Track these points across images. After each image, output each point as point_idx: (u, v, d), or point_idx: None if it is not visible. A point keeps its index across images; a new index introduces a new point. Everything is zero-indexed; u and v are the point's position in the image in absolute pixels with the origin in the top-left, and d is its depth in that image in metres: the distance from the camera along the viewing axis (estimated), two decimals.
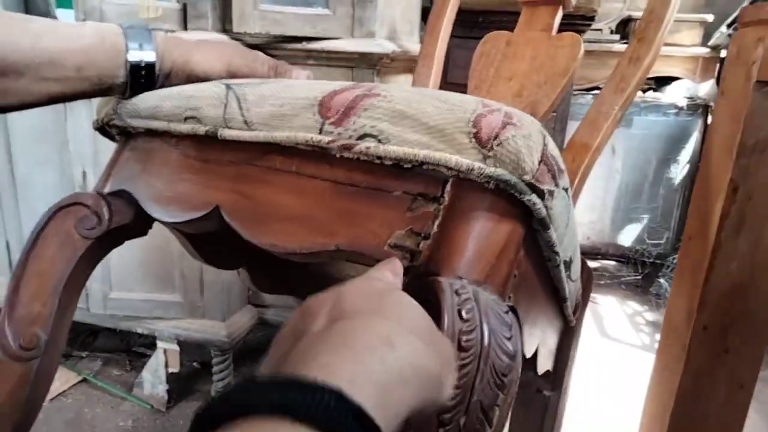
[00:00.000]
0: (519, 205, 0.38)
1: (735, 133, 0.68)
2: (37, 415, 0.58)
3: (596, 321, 1.96)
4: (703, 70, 2.35)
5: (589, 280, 0.70)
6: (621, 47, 2.20)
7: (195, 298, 1.36)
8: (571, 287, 0.57)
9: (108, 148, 0.60)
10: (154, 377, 1.41)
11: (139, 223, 0.58)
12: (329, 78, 1.17)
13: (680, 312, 0.80)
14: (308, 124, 0.42)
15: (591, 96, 2.21)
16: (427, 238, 0.38)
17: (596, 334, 1.87)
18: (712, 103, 2.23)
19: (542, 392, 0.77)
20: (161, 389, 1.40)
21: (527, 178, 0.36)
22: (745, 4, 1.95)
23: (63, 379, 1.46)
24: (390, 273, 0.34)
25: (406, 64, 1.28)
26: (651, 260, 2.37)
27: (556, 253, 0.45)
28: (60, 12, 1.51)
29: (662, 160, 2.32)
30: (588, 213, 2.39)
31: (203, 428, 0.21)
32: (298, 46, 1.19)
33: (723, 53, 2.27)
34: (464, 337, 0.32)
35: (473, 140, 0.36)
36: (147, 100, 0.51)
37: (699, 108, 2.26)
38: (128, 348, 1.62)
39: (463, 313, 0.33)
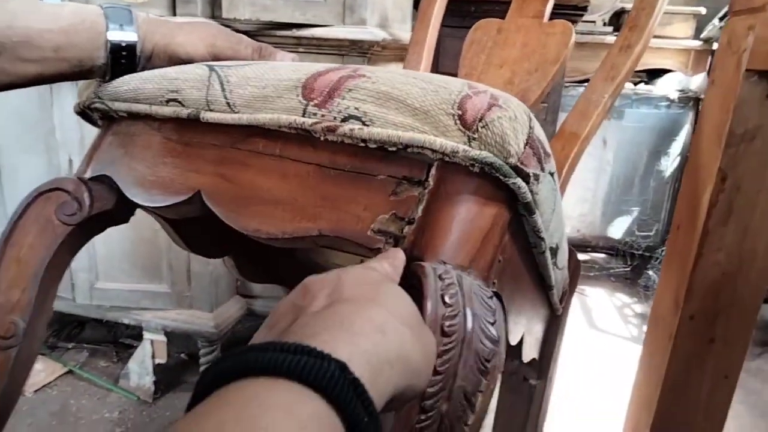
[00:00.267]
0: (504, 189, 0.38)
1: (724, 122, 0.67)
2: (14, 405, 0.57)
3: (585, 313, 1.96)
4: (695, 62, 2.36)
5: (576, 269, 0.69)
6: (614, 39, 2.20)
7: (182, 289, 1.35)
8: (558, 275, 0.56)
9: (94, 135, 0.59)
10: (140, 368, 1.40)
11: (122, 210, 0.57)
12: None
13: (668, 301, 0.80)
14: (291, 105, 0.41)
15: (583, 88, 2.21)
16: (411, 222, 0.37)
17: (585, 325, 1.88)
18: (703, 96, 2.23)
19: (528, 381, 0.77)
20: (148, 380, 1.39)
21: (512, 161, 0.36)
22: None
23: (49, 370, 1.44)
24: (389, 266, 0.35)
25: (398, 52, 1.27)
26: (640, 252, 2.38)
27: (542, 239, 0.44)
28: None
29: (653, 153, 2.33)
30: (579, 205, 2.39)
31: (210, 387, 0.22)
32: (288, 33, 1.18)
33: (715, 46, 2.28)
34: (447, 323, 0.32)
35: (458, 122, 0.36)
36: (128, 82, 0.50)
37: (690, 101, 2.27)
38: (115, 339, 1.60)
39: (447, 298, 0.32)
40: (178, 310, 1.37)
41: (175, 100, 0.47)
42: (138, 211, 0.58)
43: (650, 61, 2.31)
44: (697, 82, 2.31)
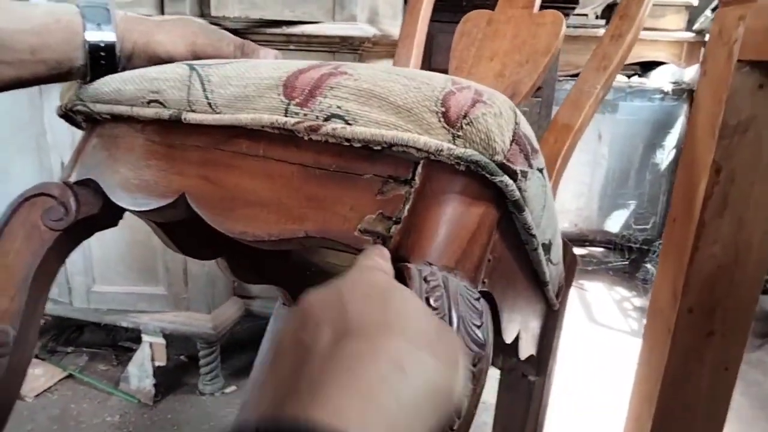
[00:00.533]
0: (491, 187, 0.37)
1: (717, 113, 0.66)
2: (10, 412, 0.56)
3: (584, 307, 1.96)
4: (689, 54, 2.35)
5: (572, 263, 0.69)
6: None
7: (179, 291, 1.34)
8: (552, 270, 0.55)
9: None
10: (140, 371, 1.40)
11: (109, 214, 0.56)
12: None
13: (665, 294, 0.79)
14: (273, 105, 0.40)
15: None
16: (398, 222, 0.37)
17: (584, 320, 1.87)
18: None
19: (527, 377, 0.76)
20: (148, 383, 1.39)
21: (498, 158, 0.35)
22: None
23: (49, 374, 1.44)
24: (382, 259, 0.33)
25: (389, 48, 1.26)
26: (638, 246, 2.38)
27: (533, 236, 0.43)
28: None
29: (648, 146, 2.32)
30: (575, 200, 2.38)
31: None
32: (278, 30, 1.17)
33: (707, 37, 2.27)
34: None
35: (442, 119, 0.35)
36: (109, 83, 0.49)
37: (684, 93, 2.26)
38: (114, 342, 1.60)
39: (432, 301, 0.32)
40: (175, 312, 1.37)
41: (156, 101, 0.46)
42: (130, 213, 0.58)
43: (643, 54, 2.30)
44: (690, 73, 2.30)
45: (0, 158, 1.32)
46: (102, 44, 0.48)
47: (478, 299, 0.33)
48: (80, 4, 0.48)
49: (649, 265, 2.23)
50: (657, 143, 2.31)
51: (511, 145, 0.35)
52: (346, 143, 0.38)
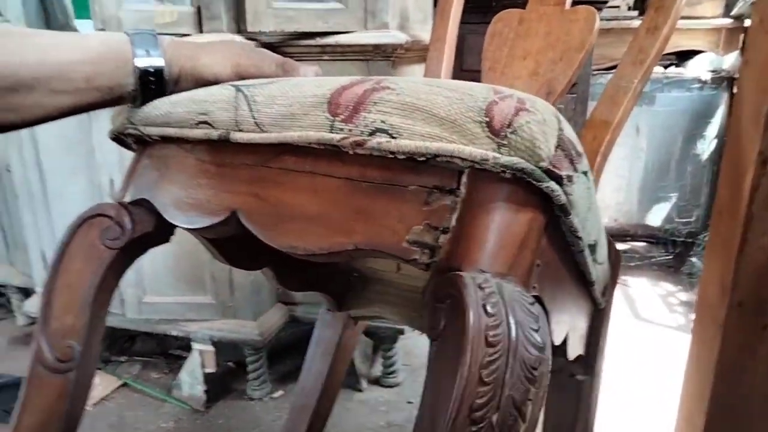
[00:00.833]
0: (538, 193, 0.37)
1: (762, 103, 0.65)
2: (79, 423, 0.59)
3: (629, 303, 1.92)
4: (727, 41, 2.28)
5: (617, 261, 0.68)
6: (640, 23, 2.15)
7: (226, 299, 1.38)
8: (598, 270, 0.55)
9: (132, 155, 0.61)
10: (191, 378, 1.44)
11: (161, 231, 0.59)
12: (345, 72, 1.17)
13: (714, 289, 0.77)
14: (318, 122, 0.41)
15: (611, 75, 2.16)
16: (445, 232, 0.37)
17: (629, 316, 1.84)
18: (737, 75, 2.16)
19: (575, 377, 0.76)
20: (199, 390, 1.43)
21: (544, 164, 0.36)
22: None
23: (104, 384, 1.49)
24: None
25: (420, 53, 1.27)
26: (681, 239, 2.32)
27: (579, 238, 0.44)
28: (79, 23, 1.53)
29: (688, 137, 2.26)
30: (614, 194, 2.34)
31: None
32: (312, 42, 1.19)
33: (747, 23, 2.20)
34: (491, 332, 0.32)
35: (486, 129, 0.35)
36: (159, 107, 0.51)
37: (724, 81, 2.19)
38: (165, 351, 1.65)
39: (489, 308, 0.32)
40: (223, 320, 1.40)
41: (205, 122, 0.48)
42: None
43: (680, 43, 2.24)
44: (729, 61, 2.23)
45: (53, 179, 1.38)
46: (151, 69, 0.50)
47: (533, 304, 0.34)
48: (129, 32, 0.50)
49: (694, 259, 2.17)
50: (697, 134, 2.25)
51: (555, 150, 0.36)
52: (391, 155, 0.39)
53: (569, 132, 0.38)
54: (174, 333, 1.42)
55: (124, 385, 1.51)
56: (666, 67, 2.30)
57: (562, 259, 0.47)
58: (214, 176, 0.49)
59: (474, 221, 0.36)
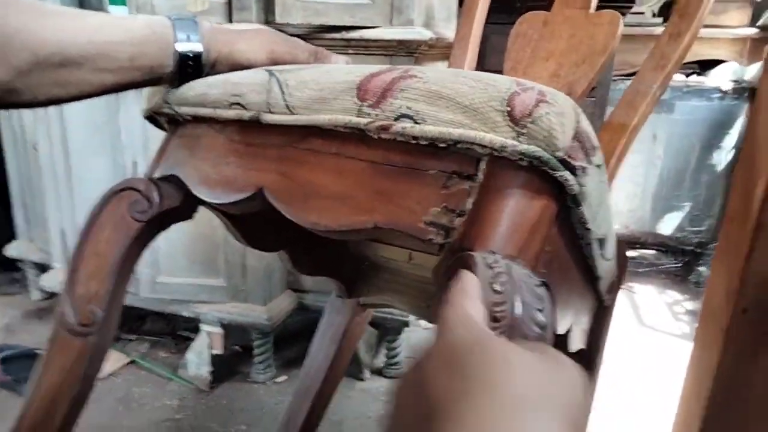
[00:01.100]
0: (552, 182, 0.39)
1: None
2: (91, 389, 0.62)
3: (634, 310, 1.93)
4: (752, 51, 2.26)
5: (624, 262, 0.70)
6: None
7: (238, 283, 1.40)
8: (605, 266, 0.57)
9: (157, 137, 0.63)
10: (198, 359, 1.47)
11: (187, 206, 0.61)
12: None
13: (719, 294, 0.79)
14: (347, 107, 0.43)
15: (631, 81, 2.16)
16: (461, 215, 0.39)
17: (634, 322, 1.85)
18: None
19: None
20: (205, 370, 1.46)
21: (560, 154, 0.37)
22: None
23: (113, 360, 1.53)
24: (466, 298, 0.31)
25: (444, 50, 1.29)
26: (691, 248, 2.32)
27: (589, 230, 0.45)
28: (112, 8, 1.57)
29: (706, 147, 2.25)
30: (628, 201, 2.34)
31: None
32: (338, 35, 1.22)
33: None
34: (496, 308, 0.33)
35: (507, 118, 0.37)
36: (195, 88, 0.54)
37: (745, 91, 2.18)
38: (173, 331, 1.68)
39: (497, 286, 0.34)
40: (233, 303, 1.43)
41: (238, 103, 0.50)
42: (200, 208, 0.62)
43: (702, 52, 2.23)
44: (752, 71, 2.22)
45: (77, 159, 1.42)
46: (190, 54, 0.52)
47: (539, 286, 0.35)
48: (172, 17, 0.52)
49: (702, 268, 2.17)
50: (715, 144, 2.24)
51: (572, 141, 0.38)
52: (414, 141, 0.41)
53: (586, 125, 0.40)
54: (185, 314, 1.45)
55: (132, 362, 1.55)
56: (688, 75, 2.29)
57: (571, 251, 0.49)
58: (243, 155, 0.51)
59: (489, 205, 0.38)
